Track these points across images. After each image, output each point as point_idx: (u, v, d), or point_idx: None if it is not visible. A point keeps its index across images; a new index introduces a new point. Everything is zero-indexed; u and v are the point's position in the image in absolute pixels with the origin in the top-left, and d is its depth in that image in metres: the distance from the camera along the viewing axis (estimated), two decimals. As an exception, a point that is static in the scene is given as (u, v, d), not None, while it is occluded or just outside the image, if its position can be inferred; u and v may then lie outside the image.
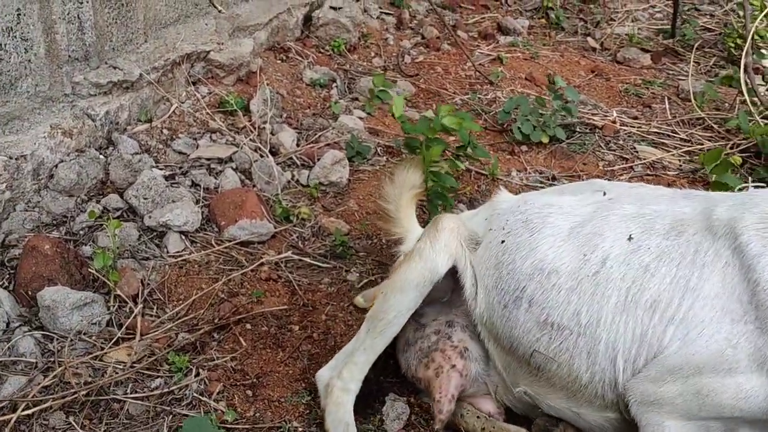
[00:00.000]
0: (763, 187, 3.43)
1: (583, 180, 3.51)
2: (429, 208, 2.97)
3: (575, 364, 1.97)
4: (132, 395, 2.25)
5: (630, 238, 2.00)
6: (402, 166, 2.70)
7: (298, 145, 3.45)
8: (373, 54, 4.53)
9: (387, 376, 2.39)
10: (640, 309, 1.90)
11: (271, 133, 3.42)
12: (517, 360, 2.11)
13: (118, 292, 2.54)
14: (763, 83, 4.32)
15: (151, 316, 2.56)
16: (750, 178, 3.51)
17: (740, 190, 3.41)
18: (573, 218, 2.11)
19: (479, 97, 4.21)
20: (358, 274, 2.84)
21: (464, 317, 2.25)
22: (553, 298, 2.00)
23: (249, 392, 2.31)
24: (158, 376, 2.33)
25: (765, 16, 4.57)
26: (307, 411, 2.26)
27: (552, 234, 2.08)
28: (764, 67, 4.55)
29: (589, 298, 1.96)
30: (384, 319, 2.19)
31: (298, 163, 3.36)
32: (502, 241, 2.15)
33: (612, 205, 2.10)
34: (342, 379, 2.19)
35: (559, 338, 1.99)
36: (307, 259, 2.87)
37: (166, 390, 2.28)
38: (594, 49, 5.11)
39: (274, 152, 3.36)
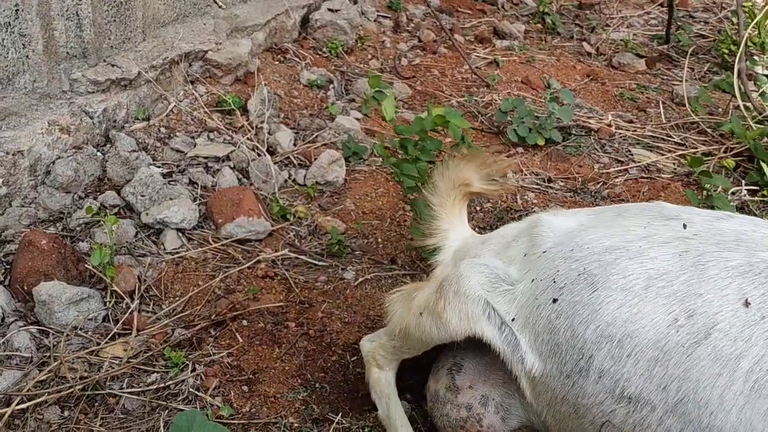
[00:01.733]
0: (756, 190, 3.46)
1: (578, 180, 3.54)
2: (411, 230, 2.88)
3: None
4: (128, 390, 2.26)
5: (747, 304, 1.58)
6: (451, 157, 2.42)
7: (295, 145, 3.47)
8: (370, 56, 4.55)
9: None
10: (764, 400, 1.51)
11: (269, 133, 3.44)
12: (584, 427, 1.78)
13: (115, 288, 2.54)
14: (756, 89, 4.35)
15: (148, 312, 2.56)
16: (743, 181, 3.54)
17: (733, 194, 3.44)
18: (650, 264, 1.69)
19: (476, 100, 4.23)
20: (354, 273, 2.85)
21: (502, 386, 2.03)
22: (630, 369, 1.64)
23: (245, 388, 2.31)
24: (154, 372, 2.33)
25: (757, 23, 4.61)
26: (303, 407, 2.27)
27: (622, 288, 1.69)
28: (757, 72, 4.58)
29: (682, 374, 1.58)
30: (408, 349, 2.14)
31: (295, 162, 3.37)
32: (554, 300, 1.78)
33: (705, 249, 1.69)
34: (376, 360, 2.23)
35: (638, 413, 1.64)
36: (304, 257, 2.88)
37: (162, 385, 2.28)
38: (589, 54, 5.14)
39: (271, 152, 3.37)
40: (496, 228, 3.16)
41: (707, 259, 1.66)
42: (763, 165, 3.40)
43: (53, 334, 2.40)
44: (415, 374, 2.40)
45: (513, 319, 1.86)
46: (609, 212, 2.00)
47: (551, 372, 1.79)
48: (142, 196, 2.93)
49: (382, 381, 2.24)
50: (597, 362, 1.69)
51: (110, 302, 2.53)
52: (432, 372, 2.23)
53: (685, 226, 1.77)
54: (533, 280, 1.85)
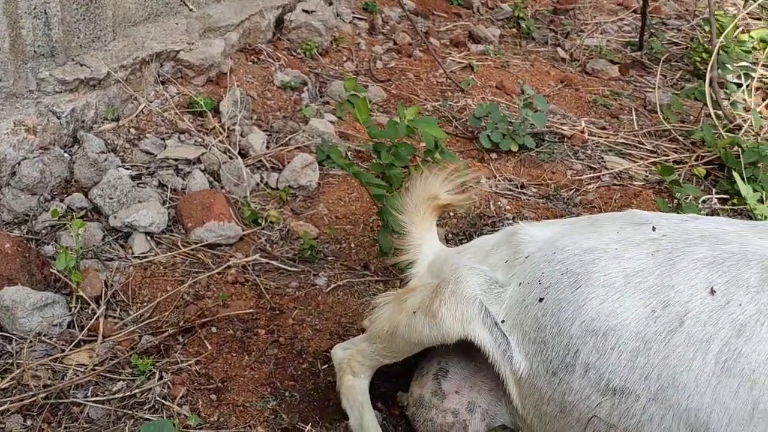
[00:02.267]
0: (726, 199, 3.50)
1: (551, 187, 3.55)
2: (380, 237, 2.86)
3: (644, 431, 1.73)
4: (93, 399, 2.21)
5: (713, 292, 1.72)
6: (419, 172, 2.48)
7: (267, 148, 3.43)
8: (344, 58, 4.52)
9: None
10: (734, 379, 1.65)
11: (241, 135, 3.39)
12: (570, 427, 1.86)
13: (81, 293, 2.49)
14: (727, 97, 4.40)
15: (114, 318, 2.51)
16: (714, 189, 3.57)
17: (703, 202, 3.47)
18: (627, 263, 1.82)
19: (450, 104, 4.23)
20: (326, 279, 2.82)
21: (488, 394, 2.08)
22: (614, 362, 1.74)
23: (213, 396, 2.28)
24: (120, 380, 2.29)
25: (728, 33, 4.66)
26: (272, 416, 2.24)
27: (603, 284, 1.80)
28: (728, 81, 4.64)
29: (661, 361, 1.70)
30: (390, 353, 2.15)
31: (268, 165, 3.34)
32: (541, 299, 1.87)
33: (673, 246, 1.83)
34: (351, 367, 2.21)
35: (623, 404, 1.74)
36: (275, 263, 2.85)
37: (128, 393, 2.24)
38: (563, 60, 5.16)
39: (243, 154, 3.33)
40: (470, 233, 3.17)
41: (676, 255, 1.79)
42: (734, 174, 3.43)
43: (16, 340, 2.34)
44: (386, 383, 2.38)
45: (503, 321, 1.93)
46: (583, 221, 2.12)
47: (538, 371, 1.86)
48: (110, 198, 2.87)
49: (356, 389, 2.21)
50: (583, 356, 1.77)
51: (76, 308, 2.48)
52: (415, 377, 2.21)
53: (654, 229, 1.90)
54: (520, 283, 1.93)
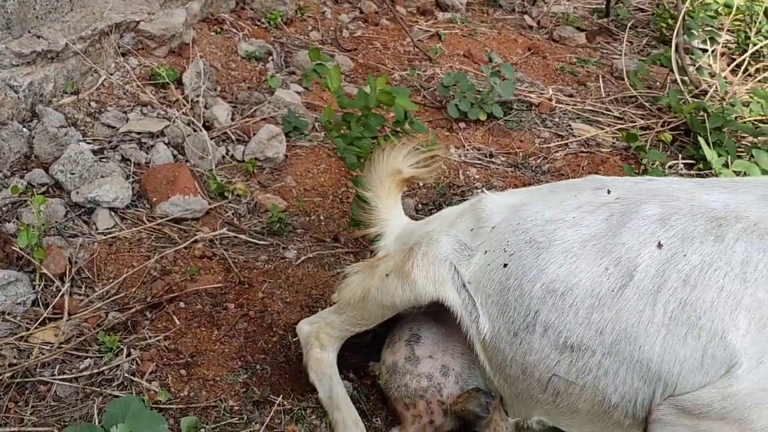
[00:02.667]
0: (692, 164, 3.53)
1: (519, 155, 3.55)
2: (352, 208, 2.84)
3: (601, 385, 1.81)
4: (60, 377, 2.18)
5: (660, 246, 1.80)
6: (382, 147, 2.50)
7: (232, 120, 3.37)
8: (310, 27, 4.45)
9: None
10: (681, 327, 1.72)
11: (205, 107, 3.33)
12: (531, 387, 1.93)
13: (44, 270, 2.44)
14: (693, 63, 4.43)
15: (80, 295, 2.47)
16: (680, 155, 3.61)
17: (669, 167, 3.50)
18: (584, 230, 1.90)
19: (418, 73, 4.20)
20: (296, 252, 2.80)
21: (461, 358, 2.12)
22: (571, 319, 1.82)
23: (183, 371, 2.25)
24: (87, 357, 2.25)
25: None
26: (244, 389, 2.23)
27: (562, 251, 1.89)
28: (694, 47, 4.66)
29: (614, 315, 1.78)
30: (362, 319, 2.15)
31: (233, 138, 3.28)
32: (505, 265, 1.95)
33: (626, 207, 1.91)
34: (320, 340, 2.21)
35: (580, 360, 1.82)
36: (243, 236, 2.81)
37: (95, 371, 2.21)
38: (531, 27, 5.14)
39: (207, 127, 3.27)
40: (440, 203, 3.16)
41: (628, 214, 1.89)
42: (700, 139, 3.46)
43: (-22, 320, 2.29)
44: (356, 354, 2.38)
45: (469, 282, 2.00)
46: (544, 189, 2.20)
47: (500, 333, 1.94)
48: (72, 174, 2.81)
49: (324, 362, 2.21)
50: (542, 316, 1.86)
51: (39, 285, 2.43)
52: (387, 345, 2.22)
53: (609, 192, 1.99)
54: (486, 252, 2.01)
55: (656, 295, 1.75)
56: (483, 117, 3.77)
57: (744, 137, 3.67)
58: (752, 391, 1.65)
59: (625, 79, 4.24)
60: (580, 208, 1.97)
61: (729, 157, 3.39)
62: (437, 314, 2.15)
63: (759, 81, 4.21)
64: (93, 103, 3.22)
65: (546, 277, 1.88)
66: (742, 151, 3.57)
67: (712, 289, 1.72)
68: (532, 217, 2.00)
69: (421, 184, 3.23)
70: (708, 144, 3.43)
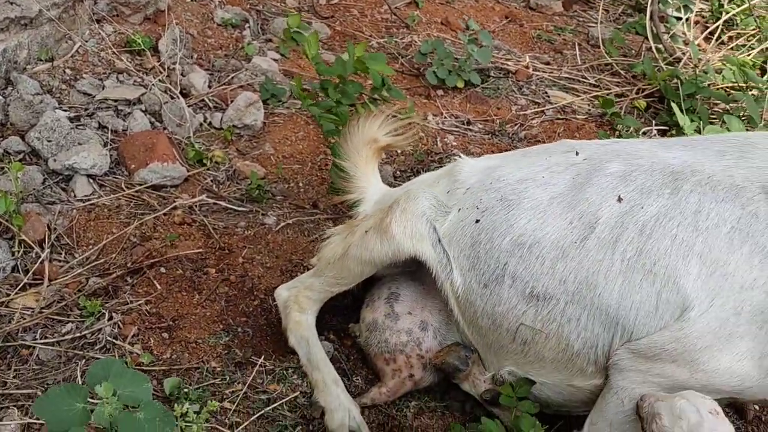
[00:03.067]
0: (666, 130, 3.59)
1: (496, 122, 3.58)
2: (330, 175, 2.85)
3: (565, 332, 1.89)
4: (42, 341, 2.19)
5: (620, 199, 1.89)
6: (358, 116, 2.55)
7: (209, 87, 3.36)
8: (287, -5, 4.42)
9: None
10: (637, 274, 1.81)
11: (182, 75, 3.31)
12: (501, 338, 2.02)
13: (23, 237, 2.44)
14: (667, 31, 4.47)
15: (60, 261, 2.47)
16: (654, 122, 3.66)
17: (643, 134, 3.55)
18: (552, 188, 1.99)
19: (396, 41, 4.19)
20: (275, 218, 2.82)
21: (439, 314, 2.18)
22: (537, 270, 1.91)
23: (165, 335, 2.28)
24: (69, 321, 2.27)
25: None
26: (225, 351, 2.26)
27: (531, 207, 1.98)
28: (668, 15, 4.70)
29: (576, 265, 1.86)
30: (341, 278, 2.20)
31: (211, 105, 3.28)
32: (477, 221, 2.04)
33: (591, 166, 2.00)
34: (299, 303, 2.25)
35: (545, 308, 1.91)
36: (222, 203, 2.83)
37: (78, 335, 2.23)
38: (508, -5, 5.14)
39: (185, 94, 3.26)
40: (418, 170, 3.19)
41: (592, 171, 1.98)
42: (673, 105, 3.51)
43: (-42, 286, 2.29)
44: (336, 316, 2.42)
45: (444, 237, 2.07)
46: (517, 153, 2.31)
47: (471, 285, 2.02)
48: (49, 141, 2.79)
49: (303, 324, 2.25)
50: (511, 267, 1.95)
51: (19, 252, 2.43)
52: (366, 304, 2.27)
53: (577, 153, 2.07)
54: (459, 209, 2.09)
55: (615, 245, 1.84)
56: (461, 84, 3.79)
57: (716, 104, 3.73)
58: (702, 333, 1.74)
59: (601, 46, 4.28)
60: (549, 169, 2.05)
61: (701, 123, 3.45)
62: (415, 273, 2.20)
63: (732, 48, 4.26)
64: (68, 71, 3.19)
65: (515, 231, 1.96)
66: (714, 118, 3.63)
67: (667, 237, 1.81)
68: (504, 177, 2.08)
69: (399, 152, 3.26)
70: (681, 110, 3.49)
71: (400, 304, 2.20)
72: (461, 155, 2.34)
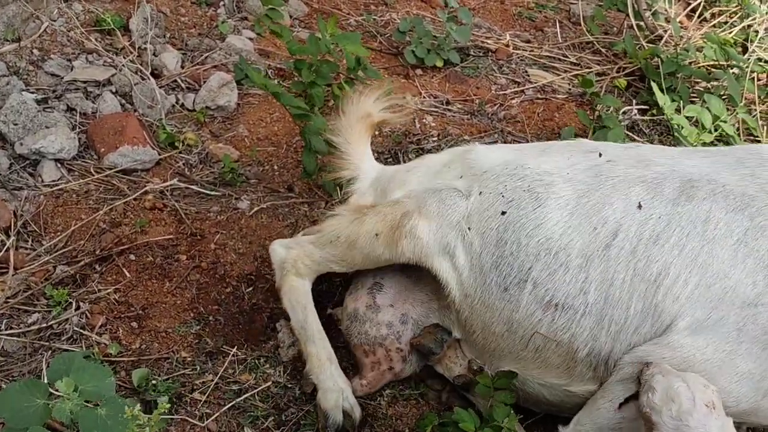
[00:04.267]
0: (646, 110, 3.55)
1: (475, 102, 3.53)
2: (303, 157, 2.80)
3: (575, 341, 1.85)
4: (7, 332, 2.15)
5: (640, 207, 1.85)
6: (352, 92, 2.49)
7: (182, 68, 3.28)
8: (263, -28, 4.32)
9: (276, 305, 2.35)
10: (643, 284, 1.78)
11: (153, 54, 3.23)
12: (513, 345, 1.95)
13: (-12, 224, 2.38)
14: (648, 8, 4.41)
15: (26, 248, 2.42)
16: (634, 101, 3.62)
17: (624, 113, 3.51)
18: (577, 186, 1.92)
19: (374, 19, 4.12)
20: (249, 202, 2.77)
21: (421, 306, 2.15)
22: (560, 278, 1.85)
23: (134, 324, 2.24)
24: (35, 311, 2.22)
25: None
26: (196, 341, 2.22)
27: (559, 206, 1.90)
28: (651, -8, 4.63)
29: (599, 276, 1.82)
30: (343, 261, 2.16)
31: (183, 86, 3.20)
32: (503, 213, 1.93)
33: (614, 168, 1.95)
34: (297, 268, 2.21)
35: (562, 318, 1.85)
36: (195, 187, 2.77)
37: (44, 325, 2.18)
38: (489, -28, 5.06)
39: (156, 75, 3.18)
40: (395, 152, 3.14)
41: (615, 173, 1.93)
42: (653, 84, 3.47)
43: None
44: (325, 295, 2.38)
45: (469, 228, 1.97)
46: (535, 149, 2.17)
47: (490, 286, 1.92)
48: (15, 124, 2.72)
49: (300, 291, 2.19)
50: (534, 273, 1.87)
51: (-17, 240, 2.37)
52: (350, 291, 2.23)
53: (600, 155, 2.00)
54: (481, 192, 1.99)
55: (631, 254, 1.80)
56: (440, 63, 3.73)
57: (697, 82, 3.69)
58: (700, 347, 1.72)
59: (582, 24, 4.22)
60: (573, 167, 1.98)
61: (681, 102, 3.41)
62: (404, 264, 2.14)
63: (713, 26, 4.22)
64: (35, 51, 3.11)
65: (542, 233, 1.88)
66: (695, 97, 3.59)
67: (675, 247, 1.79)
68: (529, 165, 2.00)
69: (376, 132, 3.20)
70: (661, 89, 3.45)
71: (382, 295, 2.16)
72: (475, 143, 2.30)
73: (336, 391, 2.05)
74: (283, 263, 2.23)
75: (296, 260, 2.21)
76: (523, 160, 2.03)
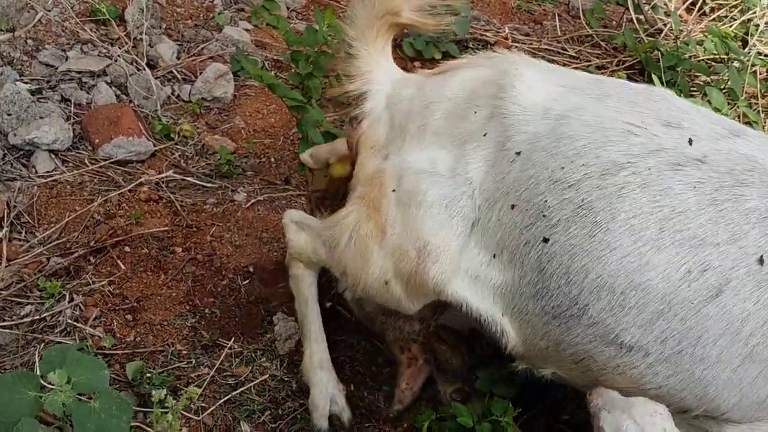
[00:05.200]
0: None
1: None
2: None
3: (643, 381, 1.54)
4: (-1, 324, 2.12)
5: (762, 261, 1.41)
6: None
7: (178, 59, 3.25)
8: (260, -37, 4.28)
9: (273, 297, 2.33)
10: (757, 365, 1.45)
11: (149, 45, 3.20)
12: (561, 359, 1.64)
13: (-20, 215, 2.35)
14: (648, 1, 4.39)
15: (19, 240, 2.39)
16: (634, 94, 3.59)
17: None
18: (663, 201, 1.45)
19: (372, 11, 4.08)
20: (245, 194, 2.74)
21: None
22: (629, 321, 1.48)
23: (129, 317, 2.21)
24: (28, 303, 2.19)
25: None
26: (192, 333, 2.19)
27: (630, 231, 1.45)
28: (650, -15, 4.61)
29: (686, 330, 1.45)
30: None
31: (179, 77, 3.17)
32: (545, 240, 1.52)
33: (720, 182, 1.46)
34: (304, 258, 2.06)
35: (628, 357, 1.52)
36: (191, 179, 2.74)
37: (37, 317, 2.15)
38: (488, -36, 5.02)
39: (152, 65, 3.14)
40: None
41: (724, 196, 1.45)
42: (654, 78, 3.45)
43: None
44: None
45: (494, 256, 1.61)
46: (588, 92, 1.64)
47: (534, 311, 1.60)
48: (9, 115, 2.68)
49: (305, 282, 2.10)
50: (592, 312, 1.50)
51: (-24, 231, 2.34)
52: None
53: (691, 142, 1.52)
54: (513, 206, 1.56)
55: (742, 324, 1.42)
56: (438, 56, 3.70)
57: (698, 76, 3.67)
58: None
59: (582, 17, 4.19)
60: (653, 153, 1.49)
61: (682, 96, 3.39)
62: None
63: (713, 20, 4.19)
64: (30, 41, 3.07)
65: (603, 268, 1.47)
66: (695, 90, 3.57)
67: None
68: (584, 145, 1.50)
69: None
70: (662, 83, 3.42)
71: None
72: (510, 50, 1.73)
73: (324, 397, 1.99)
74: (294, 248, 2.05)
75: (301, 252, 2.05)
76: (575, 130, 1.52)
